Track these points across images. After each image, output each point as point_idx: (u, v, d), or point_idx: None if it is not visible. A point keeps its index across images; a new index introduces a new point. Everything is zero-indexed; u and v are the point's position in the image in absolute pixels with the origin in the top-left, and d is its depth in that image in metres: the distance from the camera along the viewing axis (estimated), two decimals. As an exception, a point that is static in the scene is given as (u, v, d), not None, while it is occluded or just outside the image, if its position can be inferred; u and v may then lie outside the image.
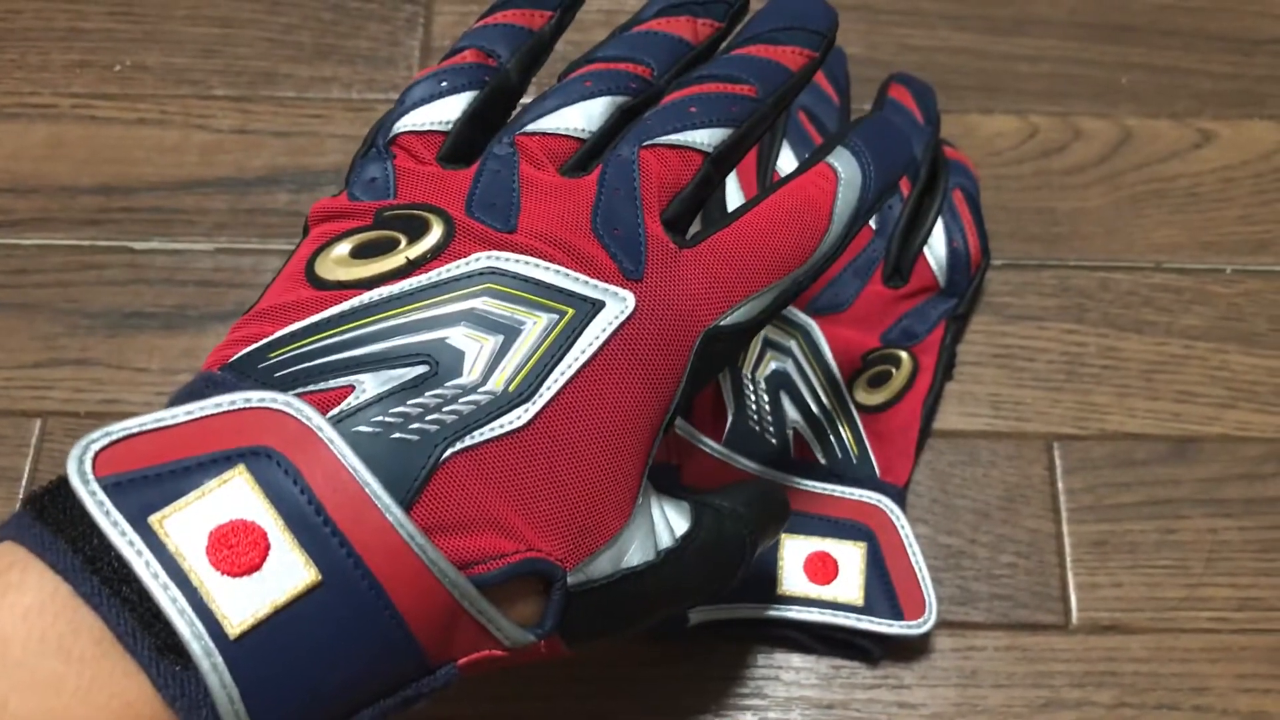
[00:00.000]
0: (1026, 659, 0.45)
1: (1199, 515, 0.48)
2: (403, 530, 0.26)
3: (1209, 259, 0.54)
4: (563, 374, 0.29)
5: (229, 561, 0.25)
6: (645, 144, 0.33)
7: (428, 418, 0.28)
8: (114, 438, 0.26)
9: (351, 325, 0.29)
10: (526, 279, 0.30)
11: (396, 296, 0.30)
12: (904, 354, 0.49)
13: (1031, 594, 0.46)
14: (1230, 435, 0.50)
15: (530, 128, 0.34)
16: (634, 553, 0.31)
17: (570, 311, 0.30)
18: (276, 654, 0.25)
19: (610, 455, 0.30)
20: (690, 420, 0.47)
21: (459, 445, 0.28)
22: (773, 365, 0.48)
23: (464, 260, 0.30)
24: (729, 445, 0.46)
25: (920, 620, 0.44)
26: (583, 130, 0.34)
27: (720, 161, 0.34)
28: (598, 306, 0.30)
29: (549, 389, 0.29)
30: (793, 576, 0.44)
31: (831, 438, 0.47)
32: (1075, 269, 0.54)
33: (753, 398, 0.47)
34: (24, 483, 0.48)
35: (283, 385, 0.28)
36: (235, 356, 0.29)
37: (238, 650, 0.24)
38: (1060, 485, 0.49)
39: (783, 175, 0.50)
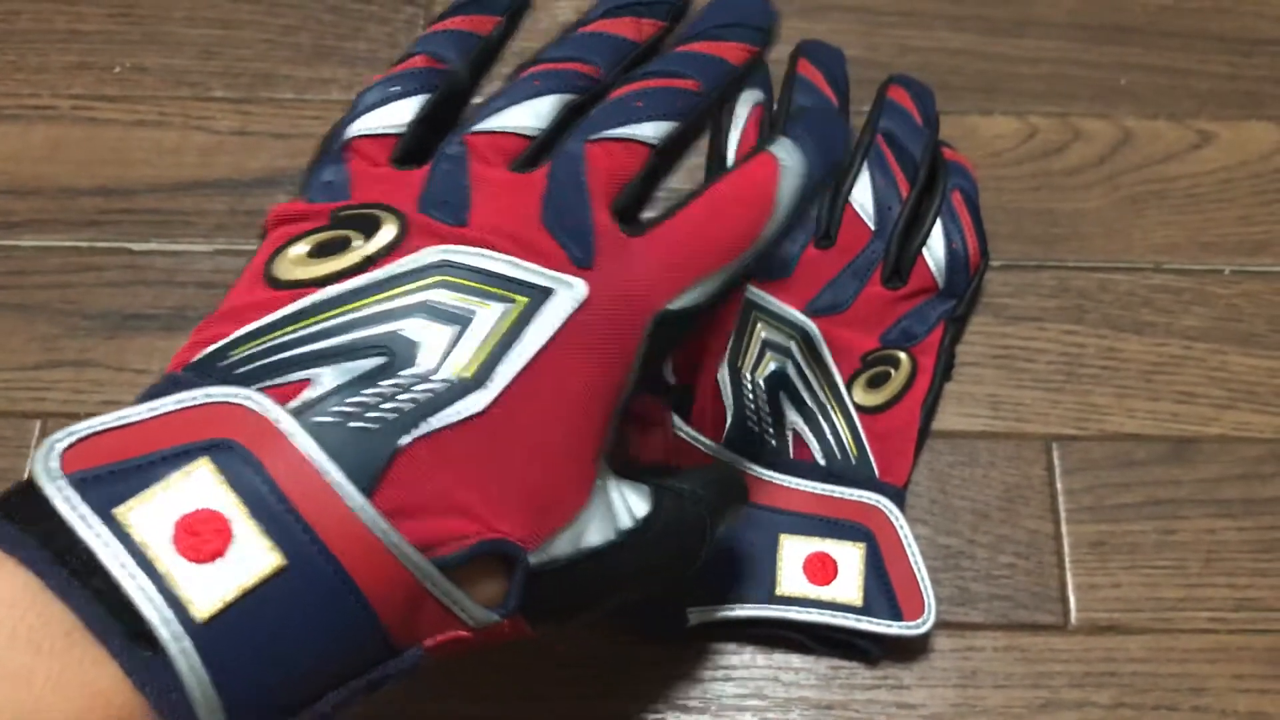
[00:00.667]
0: (1025, 659, 0.45)
1: (1198, 516, 0.48)
2: (364, 515, 0.27)
3: (1208, 260, 0.54)
4: (518, 360, 0.30)
5: (194, 549, 0.26)
6: (592, 138, 0.34)
7: (385, 406, 0.29)
8: (79, 436, 0.27)
9: (308, 321, 0.30)
10: (478, 270, 0.31)
11: (352, 292, 0.31)
12: (903, 355, 0.49)
13: (1030, 594, 0.46)
14: (1229, 436, 0.50)
15: (480, 127, 0.34)
16: (593, 533, 0.32)
17: (523, 300, 0.31)
18: (244, 637, 0.26)
19: (567, 437, 0.31)
20: (690, 421, 0.47)
21: (417, 432, 0.29)
22: (772, 366, 0.48)
23: (417, 255, 0.31)
24: (728, 446, 0.46)
25: (919, 621, 0.44)
26: (531, 128, 0.35)
27: (666, 153, 0.35)
28: (549, 294, 0.31)
29: (504, 374, 0.30)
30: (792, 577, 0.44)
31: (830, 438, 0.47)
32: (1074, 270, 0.54)
33: (752, 398, 0.47)
34: (23, 484, 0.48)
35: (243, 381, 0.29)
36: (196, 357, 0.30)
37: (206, 634, 0.25)
38: (1059, 486, 0.49)
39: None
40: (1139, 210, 0.55)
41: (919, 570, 0.45)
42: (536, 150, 0.35)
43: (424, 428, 0.29)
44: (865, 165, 0.51)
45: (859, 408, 0.48)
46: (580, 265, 0.32)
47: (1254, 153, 0.57)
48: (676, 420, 0.46)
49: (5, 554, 0.25)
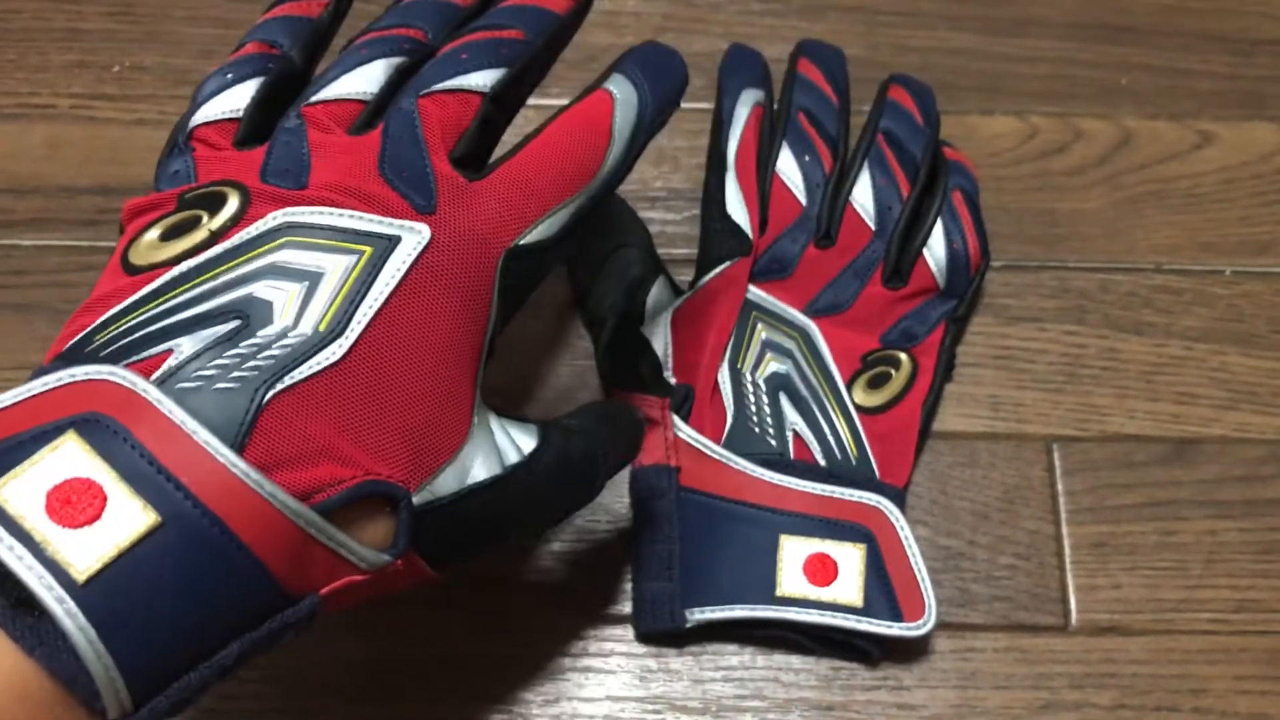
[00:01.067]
0: (1026, 660, 0.45)
1: (1198, 517, 0.48)
2: (236, 469, 0.28)
3: (1209, 260, 0.54)
4: (371, 307, 0.31)
5: (69, 516, 0.26)
6: (423, 93, 0.35)
7: (245, 365, 0.30)
8: None
9: (164, 298, 0.31)
10: (321, 227, 0.32)
11: (202, 264, 0.32)
12: (903, 355, 0.49)
13: (1031, 595, 0.46)
14: (1230, 437, 0.50)
15: (315, 98, 0.36)
16: (478, 469, 0.33)
17: (368, 250, 0.32)
18: (128, 593, 0.26)
19: (433, 377, 0.32)
20: (690, 421, 0.47)
21: (279, 386, 0.30)
22: (772, 367, 0.48)
23: (261, 220, 0.32)
24: (728, 446, 0.46)
25: (919, 622, 0.44)
26: (364, 93, 0.36)
27: (499, 100, 0.36)
28: (394, 241, 0.32)
29: (359, 322, 0.31)
30: (792, 578, 0.44)
31: (831, 439, 0.47)
32: (1075, 270, 0.54)
33: (752, 399, 0.47)
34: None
35: (107, 361, 0.30)
36: (64, 349, 0.31)
37: (87, 593, 0.26)
38: (1060, 487, 0.49)
39: (783, 177, 0.50)
40: (1140, 211, 0.55)
41: (919, 571, 0.45)
42: (372, 113, 0.36)
43: (286, 381, 0.30)
44: (866, 165, 0.51)
45: (859, 408, 0.48)
46: (423, 212, 0.33)
47: (1255, 153, 0.57)
48: (676, 420, 0.46)
49: None
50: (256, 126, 0.36)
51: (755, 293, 0.50)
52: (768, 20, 0.60)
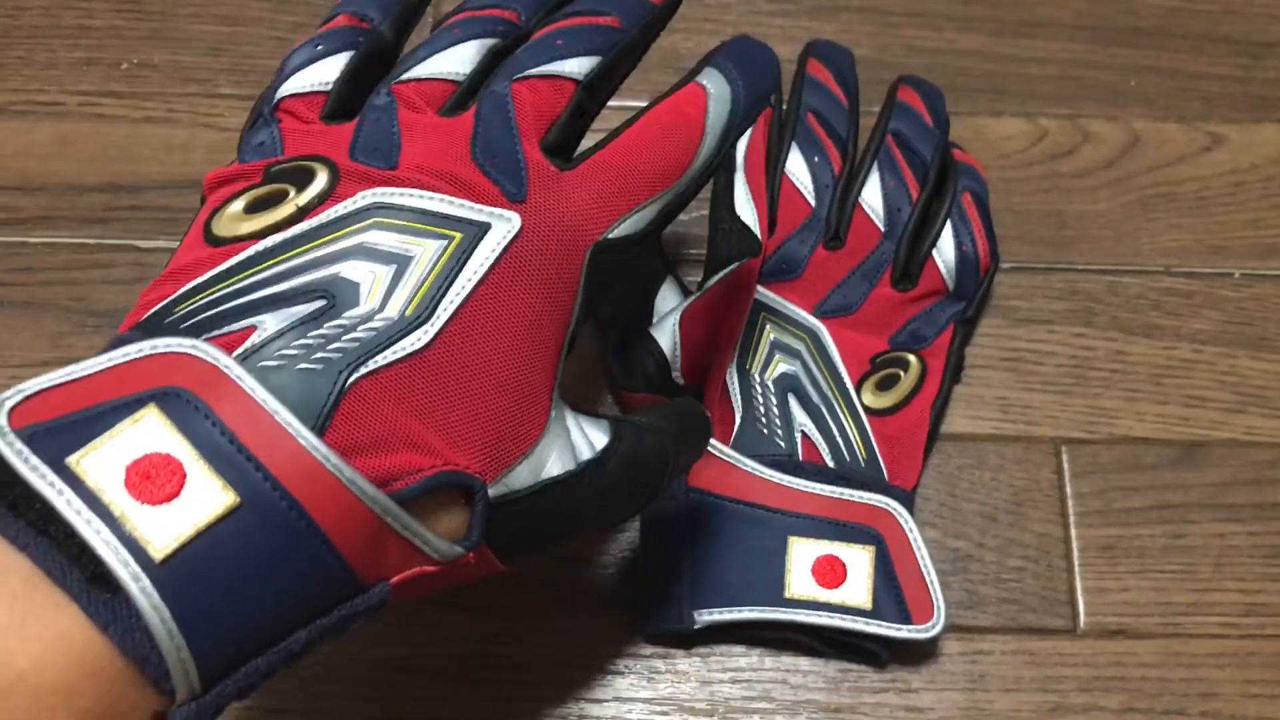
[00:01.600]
0: (1034, 663, 0.45)
1: (1207, 520, 0.48)
2: (316, 452, 0.27)
3: (1218, 263, 0.54)
4: (458, 294, 0.31)
5: (148, 492, 0.26)
6: (517, 77, 0.34)
7: (330, 347, 0.29)
8: (27, 393, 0.27)
9: (249, 272, 0.30)
10: (412, 209, 0.32)
11: (289, 240, 0.31)
12: (912, 357, 0.49)
13: (1039, 598, 0.46)
14: (1239, 440, 0.50)
15: (406, 76, 0.35)
16: (553, 464, 0.33)
17: (458, 235, 0.32)
18: (203, 574, 0.26)
19: (515, 368, 0.32)
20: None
21: (363, 370, 0.29)
22: (781, 368, 0.48)
23: (350, 199, 0.32)
24: (736, 447, 0.46)
25: (928, 624, 0.44)
26: (456, 73, 0.35)
27: (593, 89, 0.35)
28: (484, 229, 0.32)
29: (446, 309, 0.31)
30: (801, 580, 0.44)
31: (840, 440, 0.47)
32: (1084, 272, 0.53)
33: (761, 400, 0.47)
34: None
35: (189, 334, 0.29)
36: (143, 318, 0.30)
37: (164, 572, 0.25)
38: (1068, 489, 0.49)
39: (792, 178, 0.50)
40: (1148, 213, 0.55)
41: (928, 573, 0.44)
42: (464, 94, 0.35)
43: (370, 365, 0.29)
44: (875, 166, 0.51)
45: (868, 410, 0.48)
46: (513, 199, 0.32)
47: (1264, 156, 0.56)
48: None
49: None
50: (345, 101, 0.35)
51: (764, 294, 0.50)
52: (777, 20, 0.60)
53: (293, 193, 0.32)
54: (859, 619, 0.44)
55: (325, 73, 0.36)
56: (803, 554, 0.44)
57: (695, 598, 0.44)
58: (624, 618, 0.46)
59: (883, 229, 0.50)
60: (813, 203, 0.50)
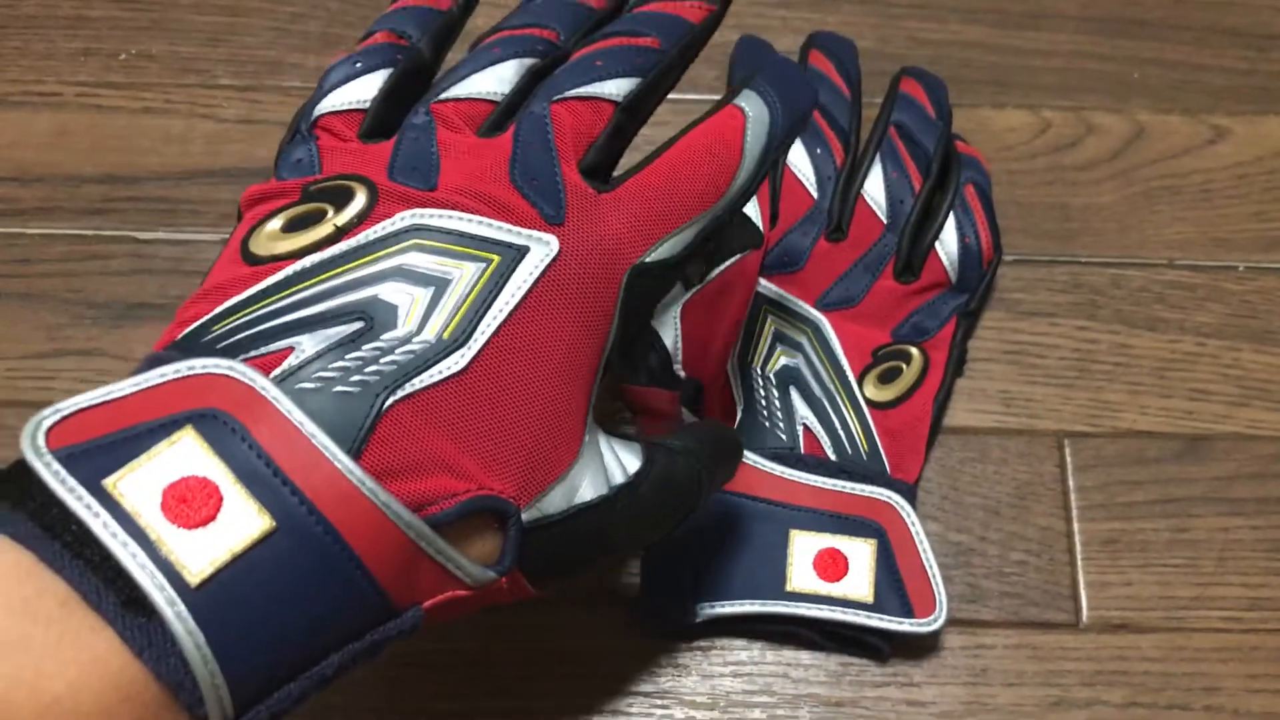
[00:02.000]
0: (1037, 657, 0.45)
1: (1211, 514, 0.48)
2: (352, 476, 0.27)
3: (1222, 256, 0.54)
4: (496, 318, 0.31)
5: (184, 515, 0.26)
6: (556, 98, 0.34)
7: (367, 370, 0.29)
8: (64, 414, 0.27)
9: (286, 292, 0.30)
10: (450, 231, 0.31)
11: (327, 260, 0.31)
12: (915, 350, 0.49)
13: (1042, 592, 0.46)
14: (1242, 434, 0.49)
15: (444, 95, 0.35)
16: (586, 488, 0.32)
17: (496, 258, 0.31)
18: (238, 598, 0.26)
19: (551, 393, 0.31)
20: (700, 416, 0.46)
21: (400, 393, 0.29)
22: (783, 361, 0.48)
23: (389, 220, 0.32)
24: (738, 440, 0.46)
25: (930, 618, 0.43)
26: (495, 93, 0.35)
27: (632, 110, 0.35)
28: (523, 252, 0.32)
29: (484, 333, 0.30)
30: (802, 573, 0.44)
31: (842, 433, 0.47)
32: (1087, 265, 0.53)
33: (763, 393, 0.47)
34: (28, 474, 0.47)
35: (226, 354, 0.29)
36: (179, 336, 0.30)
37: (199, 597, 0.25)
38: (1071, 483, 0.48)
39: (794, 170, 0.50)
40: (1152, 206, 0.55)
41: (930, 567, 0.44)
42: (502, 114, 0.35)
43: (407, 388, 0.29)
44: (878, 158, 0.51)
45: (870, 403, 0.48)
46: (552, 222, 0.32)
47: (1269, 148, 0.56)
48: (686, 414, 0.46)
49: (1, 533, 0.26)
50: (383, 119, 0.35)
51: (766, 286, 0.49)
52: (779, 12, 0.59)
53: (331, 212, 0.32)
54: (861, 612, 0.43)
55: (364, 90, 0.35)
56: (804, 547, 0.44)
57: (696, 591, 0.44)
58: (624, 611, 0.45)
59: (885, 221, 0.50)
60: (815, 195, 0.50)
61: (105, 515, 0.25)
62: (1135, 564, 0.47)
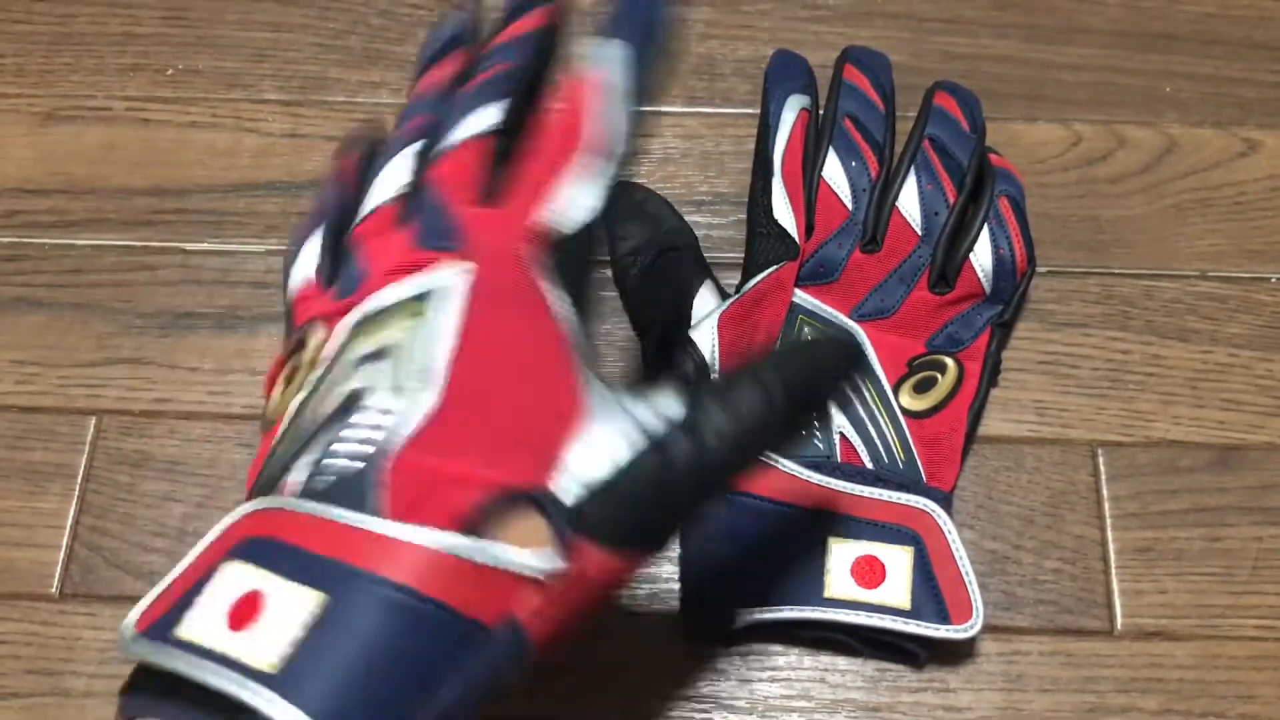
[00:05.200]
0: (1072, 664, 0.45)
1: (1244, 523, 0.48)
2: (377, 528, 0.29)
3: (1254, 268, 0.54)
4: (445, 347, 0.33)
5: (244, 622, 0.28)
6: (434, 159, 0.37)
7: (364, 444, 0.32)
8: (143, 608, 0.30)
9: (288, 433, 0.34)
10: (381, 307, 0.35)
11: (309, 394, 0.34)
12: (949, 360, 0.50)
13: (1076, 599, 0.47)
14: (1276, 444, 0.50)
15: (361, 217, 0.38)
16: (620, 446, 0.33)
17: (424, 305, 0.34)
18: (317, 665, 0.28)
19: (526, 380, 0.33)
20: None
21: (395, 448, 0.31)
22: (819, 370, 0.48)
23: (336, 332, 0.35)
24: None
25: (966, 624, 0.44)
26: (396, 190, 0.38)
27: (509, 130, 0.37)
28: (445, 284, 0.34)
29: (440, 364, 0.33)
30: (840, 580, 0.44)
31: (878, 442, 0.47)
32: (1120, 277, 0.54)
33: (799, 402, 0.47)
34: (79, 479, 0.48)
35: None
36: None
37: (281, 680, 0.27)
38: (1105, 492, 0.49)
39: (829, 182, 0.51)
40: (1184, 218, 0.55)
41: (967, 574, 0.45)
42: (410, 199, 0.37)
43: (399, 441, 0.31)
44: (912, 171, 0.51)
45: (906, 412, 0.48)
46: (460, 254, 0.35)
47: (1300, 161, 0.57)
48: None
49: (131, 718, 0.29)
50: (334, 265, 0.38)
51: (801, 297, 0.50)
52: (813, 27, 0.60)
53: (302, 356, 0.36)
54: (898, 619, 0.44)
55: (310, 258, 0.39)
56: (842, 554, 0.45)
57: (735, 597, 0.44)
58: (664, 617, 0.46)
59: (920, 233, 0.50)
60: (850, 206, 0.51)
61: (184, 655, 0.28)
62: (1169, 572, 0.47)
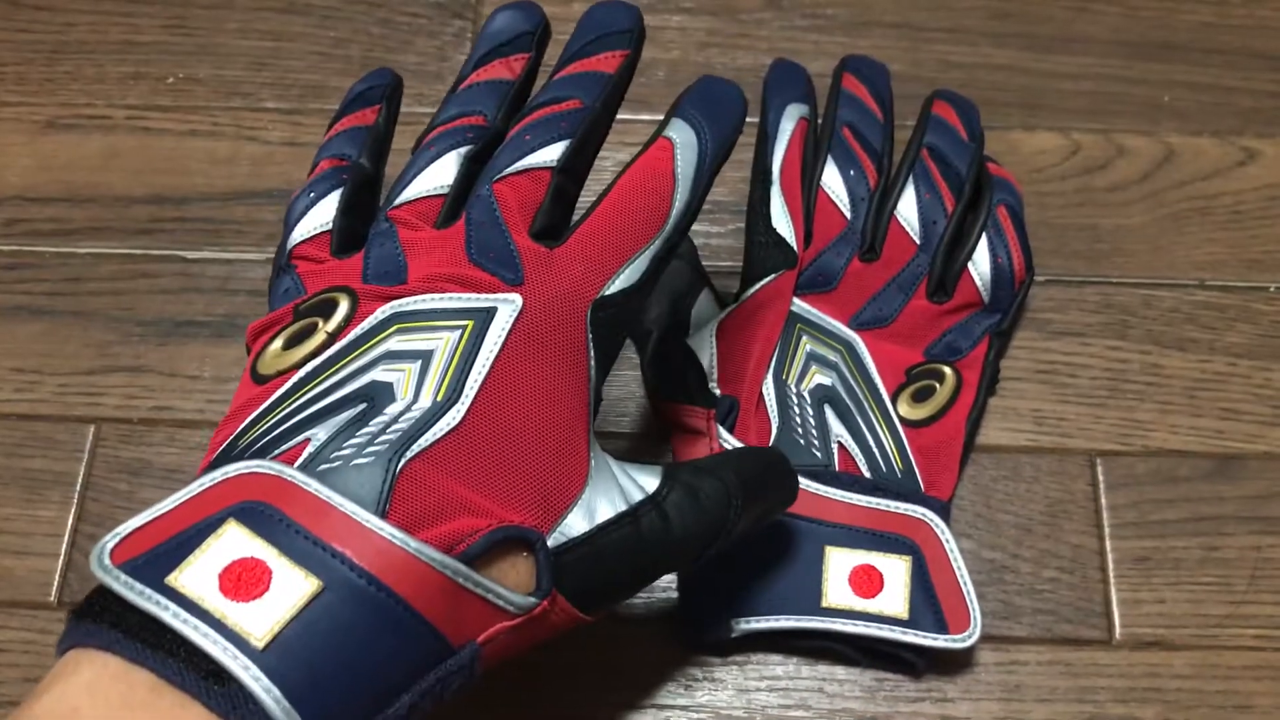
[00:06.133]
0: (1070, 674, 0.45)
1: (1243, 532, 0.48)
2: (383, 531, 0.31)
3: (1252, 277, 0.54)
4: (480, 372, 0.34)
5: (241, 592, 0.29)
6: (496, 179, 0.38)
7: (376, 442, 0.32)
8: (121, 535, 0.31)
9: (294, 397, 0.34)
10: (424, 311, 0.36)
11: (324, 362, 0.35)
12: (947, 369, 0.50)
13: (1074, 609, 0.47)
14: (1274, 453, 0.50)
15: (398, 201, 0.39)
16: (604, 508, 0.35)
17: (470, 323, 0.35)
18: (303, 653, 0.29)
19: (546, 426, 0.35)
20: (734, 433, 0.47)
21: (409, 454, 0.32)
22: (817, 379, 0.48)
23: (371, 316, 0.36)
24: (773, 458, 0.46)
25: (964, 634, 0.44)
26: (440, 187, 0.39)
27: (568, 170, 0.38)
28: (492, 312, 0.35)
29: (472, 387, 0.34)
30: (838, 589, 0.44)
31: (876, 451, 0.47)
32: (1118, 286, 0.54)
33: (797, 411, 0.48)
34: (78, 487, 0.49)
35: (253, 459, 0.32)
36: (213, 459, 0.34)
37: (268, 657, 0.28)
38: (1103, 501, 0.49)
39: (828, 191, 0.51)
40: (1183, 227, 0.55)
41: (964, 583, 0.45)
42: (454, 202, 0.39)
43: (415, 449, 0.32)
44: (910, 179, 0.51)
45: (904, 421, 0.48)
46: (513, 284, 0.36)
47: (1299, 170, 0.57)
48: (721, 431, 0.47)
49: (90, 648, 0.29)
50: (347, 234, 0.40)
51: (800, 305, 0.50)
52: (812, 36, 0.60)
53: (321, 322, 0.36)
54: (896, 628, 0.44)
55: (323, 214, 0.40)
56: (840, 563, 0.45)
57: (733, 606, 0.44)
58: (662, 626, 0.46)
59: (918, 242, 0.51)
60: (848, 215, 0.51)
61: (174, 606, 0.29)
62: (1167, 581, 0.47)
